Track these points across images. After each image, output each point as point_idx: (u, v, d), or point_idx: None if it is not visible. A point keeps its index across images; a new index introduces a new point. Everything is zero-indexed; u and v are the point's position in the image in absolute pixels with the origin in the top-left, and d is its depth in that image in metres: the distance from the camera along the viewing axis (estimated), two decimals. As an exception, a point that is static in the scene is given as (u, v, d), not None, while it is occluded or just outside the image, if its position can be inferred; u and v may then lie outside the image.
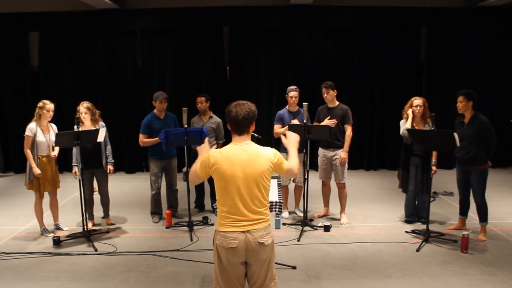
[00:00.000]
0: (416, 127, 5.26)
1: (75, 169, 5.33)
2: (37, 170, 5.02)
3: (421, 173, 5.26)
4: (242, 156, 2.71)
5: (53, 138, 5.14)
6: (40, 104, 5.11)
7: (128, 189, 7.71)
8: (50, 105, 5.12)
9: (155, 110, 5.75)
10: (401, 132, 5.36)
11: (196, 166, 2.83)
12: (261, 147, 2.81)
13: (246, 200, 2.71)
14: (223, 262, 2.75)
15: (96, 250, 4.80)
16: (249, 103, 2.79)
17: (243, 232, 2.70)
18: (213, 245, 2.84)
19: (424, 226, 5.03)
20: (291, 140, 3.07)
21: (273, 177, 3.89)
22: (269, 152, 2.78)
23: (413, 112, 5.26)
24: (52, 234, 5.23)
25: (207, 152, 2.82)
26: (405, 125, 5.30)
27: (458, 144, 4.54)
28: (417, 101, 5.28)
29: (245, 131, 2.77)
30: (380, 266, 4.38)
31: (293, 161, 2.93)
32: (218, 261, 2.78)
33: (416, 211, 5.59)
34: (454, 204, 5.92)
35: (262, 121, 8.53)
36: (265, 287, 2.83)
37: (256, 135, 5.37)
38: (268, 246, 2.77)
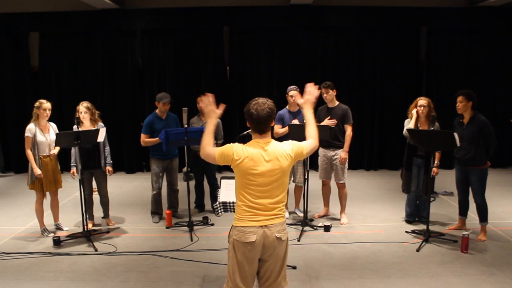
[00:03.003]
0: (420, 128, 5.22)
1: (73, 169, 5.35)
2: (37, 171, 5.02)
3: (424, 173, 5.21)
4: (264, 154, 2.73)
5: (53, 137, 5.13)
6: (36, 104, 5.10)
7: (128, 189, 7.71)
8: (46, 104, 5.11)
9: (157, 111, 5.74)
10: (403, 132, 5.35)
11: (207, 140, 2.78)
12: (281, 143, 2.84)
13: (267, 196, 2.74)
14: (239, 259, 2.74)
15: (96, 250, 4.80)
16: (269, 102, 2.78)
17: (261, 226, 2.73)
18: (229, 242, 2.83)
19: (424, 226, 5.04)
20: (308, 101, 3.01)
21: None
22: (287, 148, 2.80)
23: (417, 112, 5.22)
24: (52, 234, 5.24)
25: (213, 114, 2.84)
26: (408, 125, 5.28)
27: (458, 144, 4.53)
28: (422, 101, 5.22)
29: (267, 130, 2.79)
30: (380, 266, 4.38)
31: (312, 132, 2.93)
32: (234, 258, 2.76)
33: (417, 211, 5.59)
34: (454, 204, 5.92)
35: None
36: (277, 284, 2.83)
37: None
38: (284, 242, 2.81)
